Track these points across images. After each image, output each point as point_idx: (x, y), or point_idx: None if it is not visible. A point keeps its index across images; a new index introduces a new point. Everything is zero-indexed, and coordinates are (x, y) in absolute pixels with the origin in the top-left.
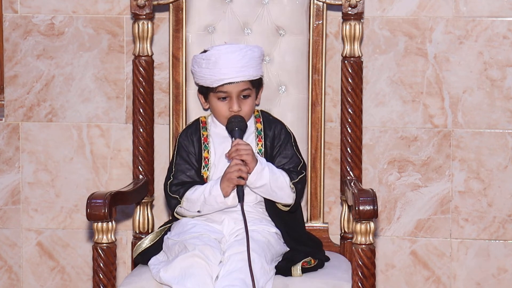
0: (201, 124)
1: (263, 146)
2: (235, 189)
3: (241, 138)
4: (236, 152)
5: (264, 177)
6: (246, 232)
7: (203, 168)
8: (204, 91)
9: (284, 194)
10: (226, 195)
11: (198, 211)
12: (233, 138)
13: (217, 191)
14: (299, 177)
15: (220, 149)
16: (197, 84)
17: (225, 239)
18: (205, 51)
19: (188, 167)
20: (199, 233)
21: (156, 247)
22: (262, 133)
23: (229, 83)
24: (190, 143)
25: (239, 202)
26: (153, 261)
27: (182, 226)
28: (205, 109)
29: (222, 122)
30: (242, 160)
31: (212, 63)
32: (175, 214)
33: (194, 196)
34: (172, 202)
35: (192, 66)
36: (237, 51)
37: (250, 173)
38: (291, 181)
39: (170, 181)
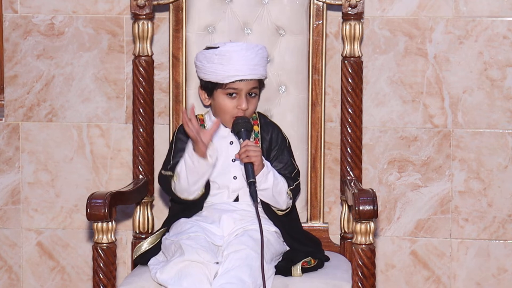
0: (199, 122)
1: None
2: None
3: (248, 138)
4: (245, 153)
5: (268, 181)
6: (261, 236)
7: None
8: (210, 87)
9: (281, 200)
10: (203, 156)
11: (189, 183)
12: (240, 140)
13: (191, 152)
14: (295, 184)
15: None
16: (201, 80)
17: (225, 239)
18: (211, 48)
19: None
20: (195, 233)
21: (156, 249)
22: (259, 135)
23: (241, 80)
24: (188, 137)
25: (253, 202)
26: (152, 261)
27: (180, 227)
28: (206, 106)
29: (225, 120)
30: (251, 162)
31: (226, 59)
32: (173, 192)
33: (179, 167)
34: (167, 181)
35: (199, 61)
36: (250, 49)
37: (256, 175)
38: (288, 188)
39: (165, 166)
